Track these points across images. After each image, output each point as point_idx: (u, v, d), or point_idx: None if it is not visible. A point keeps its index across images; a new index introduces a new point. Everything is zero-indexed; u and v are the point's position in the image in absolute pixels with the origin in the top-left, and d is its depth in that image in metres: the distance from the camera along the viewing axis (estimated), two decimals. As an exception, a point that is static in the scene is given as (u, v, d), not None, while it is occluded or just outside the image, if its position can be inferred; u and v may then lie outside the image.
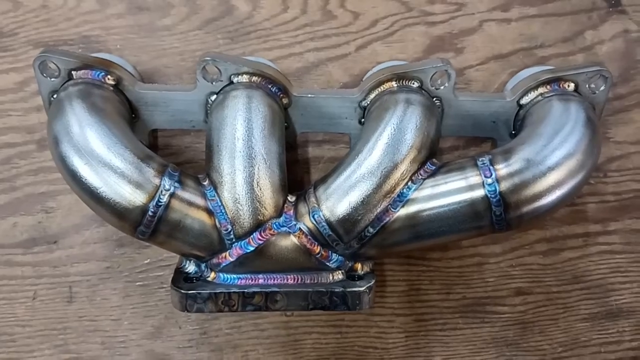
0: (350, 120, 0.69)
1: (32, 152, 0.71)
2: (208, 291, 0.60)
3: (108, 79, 0.65)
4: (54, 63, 0.65)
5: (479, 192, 0.60)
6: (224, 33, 0.71)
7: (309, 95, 0.68)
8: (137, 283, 0.73)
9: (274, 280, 0.62)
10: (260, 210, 0.61)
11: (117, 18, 0.71)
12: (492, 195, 0.59)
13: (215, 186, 0.61)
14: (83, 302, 0.73)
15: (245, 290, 0.61)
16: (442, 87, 0.66)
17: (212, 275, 0.63)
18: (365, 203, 0.60)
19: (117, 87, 0.66)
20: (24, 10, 0.69)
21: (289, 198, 0.63)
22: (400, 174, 0.60)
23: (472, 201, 0.60)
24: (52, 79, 0.65)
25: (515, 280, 0.76)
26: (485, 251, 0.75)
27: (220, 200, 0.61)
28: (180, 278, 0.62)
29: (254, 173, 0.60)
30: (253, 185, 0.60)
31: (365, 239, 0.62)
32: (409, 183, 0.61)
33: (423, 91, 0.66)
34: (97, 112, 0.61)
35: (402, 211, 0.61)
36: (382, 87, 0.66)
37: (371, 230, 0.61)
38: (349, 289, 0.61)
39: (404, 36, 0.72)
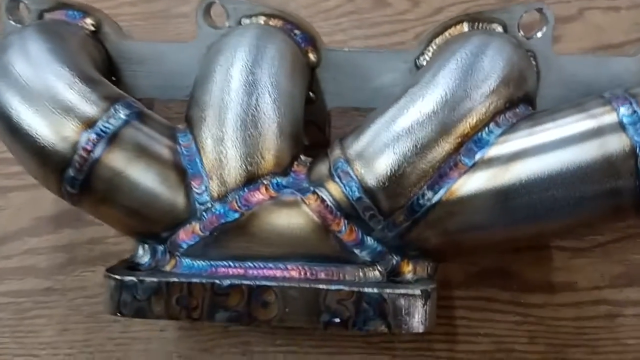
0: (403, 90, 0.48)
1: None
2: (156, 279, 0.37)
3: (86, 22, 0.49)
4: (24, 3, 0.51)
5: (616, 135, 0.36)
6: (251, 21, 0.57)
7: (345, 50, 0.50)
8: (83, 312, 0.50)
9: (266, 271, 0.38)
10: (253, 159, 0.39)
11: (129, 5, 0.59)
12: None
13: (192, 126, 0.41)
14: (3, 333, 0.50)
15: (216, 282, 0.36)
16: (535, 36, 0.46)
17: (172, 262, 0.39)
18: (422, 150, 0.37)
19: (97, 35, 0.50)
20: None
21: (301, 157, 0.42)
22: (477, 110, 0.38)
23: (603, 149, 0.36)
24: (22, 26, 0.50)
25: (672, 344, 0.47)
26: (616, 297, 0.47)
27: (196, 144, 0.40)
28: (121, 267, 0.39)
29: (250, 105, 0.40)
30: (247, 122, 0.39)
31: (420, 211, 0.37)
32: (491, 125, 0.38)
33: (509, 37, 0.46)
34: (50, 36, 0.44)
35: (481, 167, 0.37)
36: (448, 33, 0.47)
37: (429, 194, 0.37)
38: (389, 291, 0.36)
39: (480, 23, 0.56)
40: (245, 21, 0.48)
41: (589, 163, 0.36)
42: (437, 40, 0.47)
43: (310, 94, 0.49)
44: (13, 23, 0.49)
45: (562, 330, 0.47)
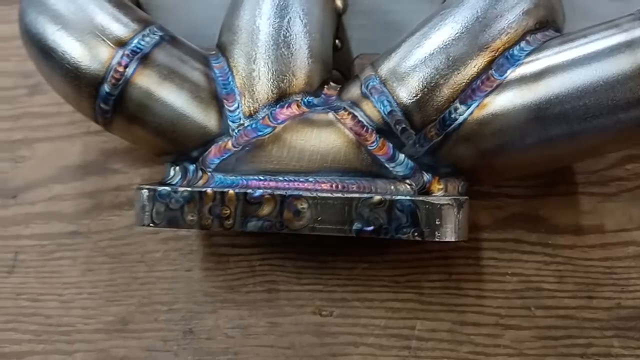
0: (429, 36, 0.49)
1: (20, 97, 0.55)
2: (189, 189, 0.37)
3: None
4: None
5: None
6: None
7: (373, -7, 0.50)
8: (108, 254, 0.49)
9: (297, 184, 0.38)
10: (285, 76, 0.39)
11: None
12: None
13: (224, 49, 0.42)
14: (28, 274, 0.50)
15: (249, 191, 0.37)
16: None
17: (204, 178, 0.39)
18: (455, 63, 0.37)
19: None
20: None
21: (331, 83, 0.42)
22: (509, 28, 0.38)
23: (634, 58, 0.35)
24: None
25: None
26: (645, 238, 0.47)
27: (229, 64, 0.41)
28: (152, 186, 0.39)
29: (282, 27, 0.40)
30: (279, 41, 0.40)
31: (452, 125, 0.37)
32: (522, 43, 0.38)
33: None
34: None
35: (512, 81, 0.37)
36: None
37: (461, 108, 0.37)
38: (422, 198, 0.36)
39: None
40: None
41: (620, 72, 0.36)
42: (463, -16, 0.48)
43: (337, 41, 0.50)
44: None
45: (591, 270, 0.46)
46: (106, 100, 0.40)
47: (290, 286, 0.48)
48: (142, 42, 0.40)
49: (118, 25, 0.40)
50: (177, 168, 0.41)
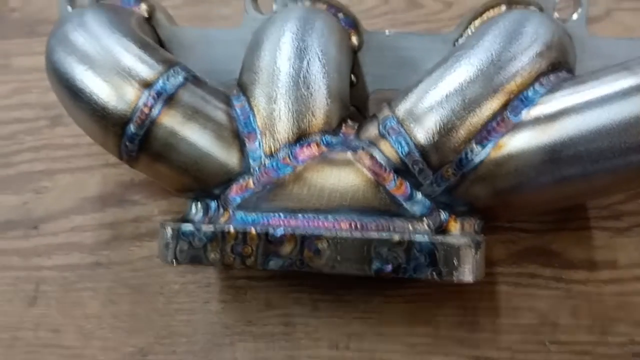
0: (443, 73, 0.50)
1: (42, 128, 0.57)
2: (212, 227, 0.38)
3: (140, 7, 0.52)
4: (81, -10, 0.54)
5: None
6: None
7: (386, 33, 0.52)
8: (129, 285, 0.50)
9: (317, 222, 0.39)
10: (305, 116, 0.40)
11: (172, 9, 0.62)
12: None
13: (245, 89, 0.43)
14: (49, 305, 0.51)
15: (270, 230, 0.37)
16: (571, 19, 0.48)
17: (226, 215, 0.40)
18: (470, 105, 0.38)
19: (149, 21, 0.53)
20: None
21: (349, 121, 0.43)
22: (523, 70, 0.39)
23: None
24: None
25: None
26: (659, 274, 0.47)
27: (249, 103, 0.42)
28: (175, 222, 0.40)
29: (302, 68, 0.41)
30: (299, 82, 0.41)
31: (468, 166, 0.38)
32: (536, 85, 0.39)
33: (546, 19, 0.47)
34: (108, 12, 0.46)
35: (527, 123, 0.38)
36: (486, 16, 0.49)
37: (477, 149, 0.38)
38: (441, 239, 0.36)
39: (512, 24, 0.58)
40: (291, 5, 0.51)
41: (632, 115, 0.37)
42: (476, 22, 0.49)
43: (352, 77, 0.51)
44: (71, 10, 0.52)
45: (606, 305, 0.47)
46: (132, 140, 0.41)
47: (307, 319, 0.48)
48: (167, 83, 0.41)
49: (144, 67, 0.42)
50: (199, 205, 0.42)
